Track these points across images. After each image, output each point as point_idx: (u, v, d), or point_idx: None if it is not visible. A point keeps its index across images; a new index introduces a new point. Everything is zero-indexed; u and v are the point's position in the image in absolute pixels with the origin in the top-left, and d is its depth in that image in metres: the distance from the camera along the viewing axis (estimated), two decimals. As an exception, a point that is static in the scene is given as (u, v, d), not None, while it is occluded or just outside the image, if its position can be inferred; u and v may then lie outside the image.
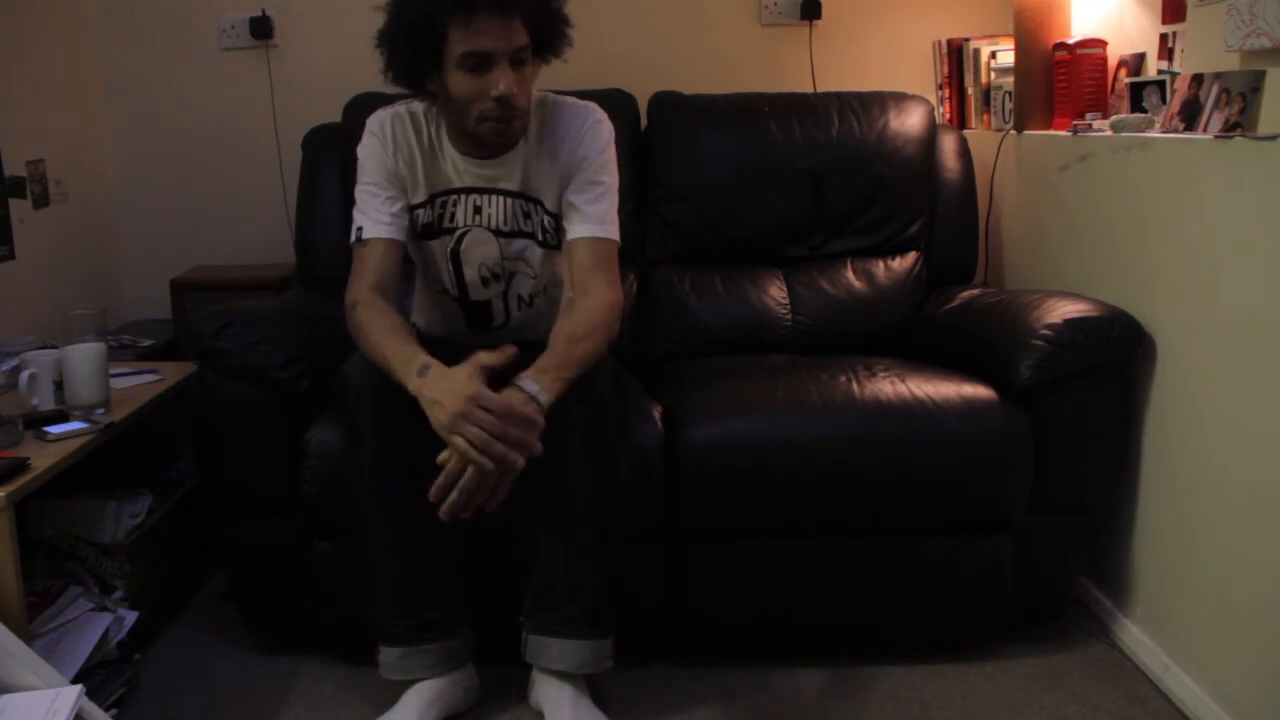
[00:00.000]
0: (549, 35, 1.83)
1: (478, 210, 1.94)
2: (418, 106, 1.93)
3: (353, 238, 1.91)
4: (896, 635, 2.04)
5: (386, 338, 1.76)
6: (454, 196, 1.94)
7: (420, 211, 1.94)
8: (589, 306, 1.83)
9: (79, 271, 2.74)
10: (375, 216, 1.89)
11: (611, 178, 1.92)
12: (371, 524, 1.78)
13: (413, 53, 1.79)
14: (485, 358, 1.68)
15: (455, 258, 1.97)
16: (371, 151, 1.92)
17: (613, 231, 1.90)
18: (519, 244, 1.97)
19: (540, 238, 1.97)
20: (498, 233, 1.95)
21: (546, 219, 1.95)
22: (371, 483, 1.76)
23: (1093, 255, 2.15)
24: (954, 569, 1.98)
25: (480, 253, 1.97)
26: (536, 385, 1.67)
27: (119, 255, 2.94)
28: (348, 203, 1.98)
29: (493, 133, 1.82)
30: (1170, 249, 1.88)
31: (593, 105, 1.96)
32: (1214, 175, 1.75)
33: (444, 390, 1.64)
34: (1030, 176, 2.45)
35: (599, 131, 1.92)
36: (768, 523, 1.95)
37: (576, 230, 1.89)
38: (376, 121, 1.93)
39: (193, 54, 2.86)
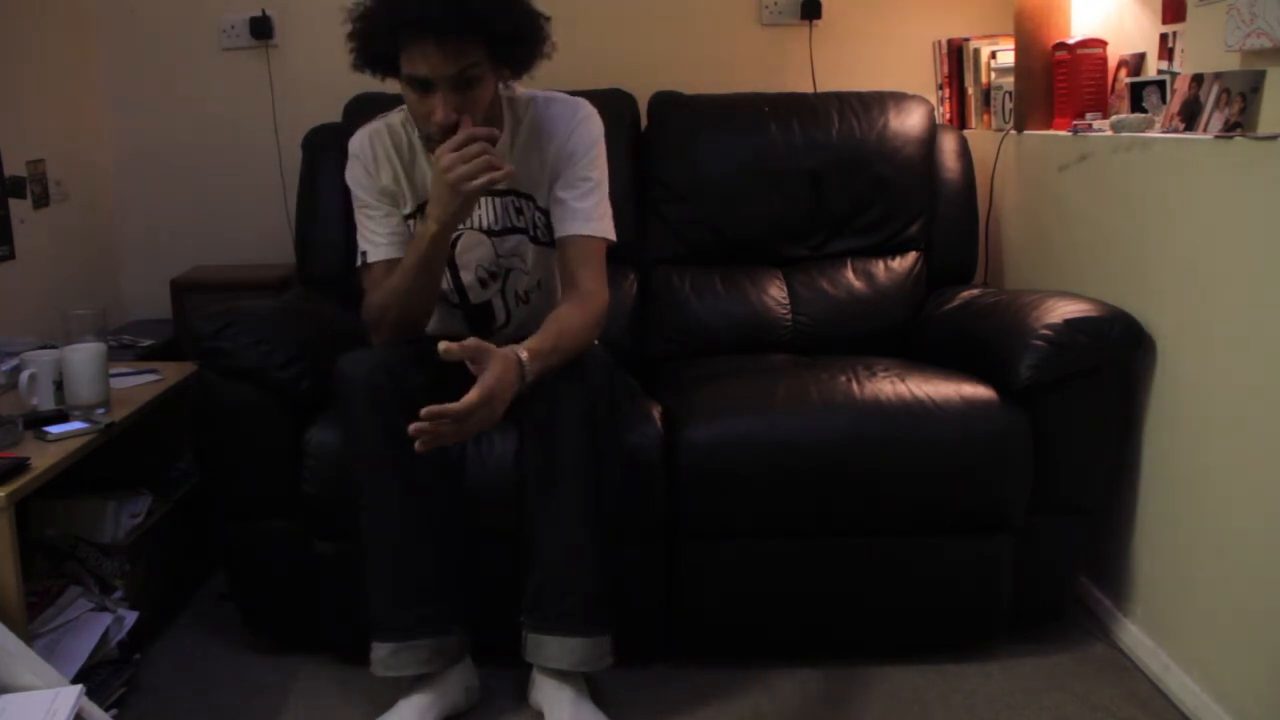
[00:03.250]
0: (511, 47, 1.75)
1: None
2: (395, 118, 1.94)
3: (359, 262, 1.93)
4: (896, 635, 2.03)
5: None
6: None
7: (412, 223, 1.94)
8: (580, 302, 1.83)
9: (79, 271, 2.74)
10: (373, 239, 1.92)
11: (600, 173, 1.92)
12: (369, 517, 1.78)
13: (372, 60, 1.78)
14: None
15: (451, 263, 1.97)
16: (355, 174, 1.94)
17: (600, 229, 1.90)
18: (512, 240, 1.97)
19: (533, 233, 1.97)
20: (489, 232, 1.96)
21: (538, 215, 1.95)
22: (369, 476, 1.76)
23: (1093, 255, 2.15)
24: (954, 569, 1.98)
25: (475, 255, 1.98)
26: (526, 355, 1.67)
27: (119, 255, 2.94)
28: (348, 203, 1.98)
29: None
30: (1170, 249, 1.88)
31: (582, 101, 1.95)
32: (1214, 175, 1.75)
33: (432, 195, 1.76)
34: (1030, 176, 2.45)
35: (588, 127, 1.92)
36: (768, 523, 1.95)
37: (565, 228, 1.89)
38: (355, 143, 1.94)
39: (193, 54, 2.86)
